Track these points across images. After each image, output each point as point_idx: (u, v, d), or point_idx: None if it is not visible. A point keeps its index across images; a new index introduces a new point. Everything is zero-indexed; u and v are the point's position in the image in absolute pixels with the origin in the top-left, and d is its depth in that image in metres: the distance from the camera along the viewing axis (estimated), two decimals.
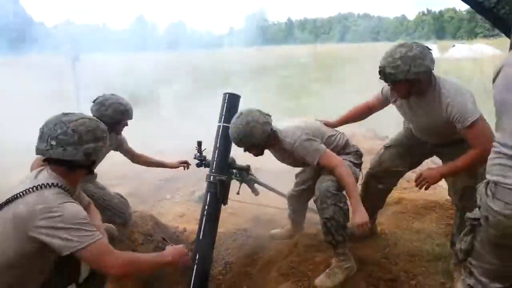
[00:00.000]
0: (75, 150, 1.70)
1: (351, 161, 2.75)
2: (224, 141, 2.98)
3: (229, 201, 3.85)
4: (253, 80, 9.43)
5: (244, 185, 3.66)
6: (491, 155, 1.64)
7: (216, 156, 2.97)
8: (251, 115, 2.57)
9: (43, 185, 1.65)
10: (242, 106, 2.97)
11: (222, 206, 2.95)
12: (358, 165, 2.81)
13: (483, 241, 1.69)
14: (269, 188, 3.55)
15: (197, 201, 3.98)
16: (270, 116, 2.67)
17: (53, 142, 1.68)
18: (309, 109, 7.89)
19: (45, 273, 1.77)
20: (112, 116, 2.89)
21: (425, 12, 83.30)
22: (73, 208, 1.64)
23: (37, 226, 1.56)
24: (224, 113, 3.00)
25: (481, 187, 1.66)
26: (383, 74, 2.31)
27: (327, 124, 2.95)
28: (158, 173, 4.36)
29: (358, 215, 2.44)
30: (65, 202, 1.63)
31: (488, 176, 1.61)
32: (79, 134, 1.71)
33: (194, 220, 3.70)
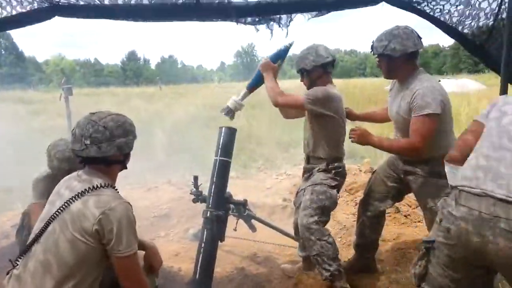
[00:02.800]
0: (108, 146, 1.76)
1: (328, 184, 2.71)
2: (221, 175, 2.94)
3: (226, 238, 3.79)
4: (245, 113, 9.47)
5: (240, 221, 3.60)
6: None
7: (212, 191, 2.91)
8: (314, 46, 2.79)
9: (99, 186, 1.71)
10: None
11: (219, 243, 2.87)
12: (335, 187, 2.77)
13: (439, 263, 1.67)
14: (266, 223, 3.48)
15: (192, 239, 3.87)
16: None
17: (88, 141, 1.74)
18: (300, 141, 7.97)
19: (98, 281, 1.78)
20: (60, 167, 2.72)
21: None
22: (130, 210, 1.74)
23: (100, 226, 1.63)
24: (220, 147, 2.97)
25: (441, 201, 1.69)
26: (371, 47, 2.54)
27: (350, 113, 3.04)
28: (151, 209, 4.27)
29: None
30: (124, 202, 1.72)
31: (451, 183, 1.65)
32: (110, 130, 1.77)
33: (189, 259, 3.57)
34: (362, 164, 5.05)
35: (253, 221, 3.46)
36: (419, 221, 3.81)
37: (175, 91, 24.94)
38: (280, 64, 2.94)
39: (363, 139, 2.52)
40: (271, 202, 4.42)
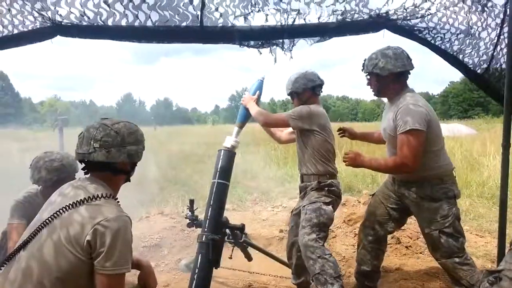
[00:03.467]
0: (118, 152, 1.65)
1: (322, 202, 2.69)
2: (218, 198, 2.85)
3: (219, 269, 3.62)
4: (240, 150, 9.44)
5: (235, 252, 3.46)
6: None
7: (209, 215, 2.81)
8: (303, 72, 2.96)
9: (100, 196, 1.58)
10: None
11: (213, 272, 2.73)
12: (329, 203, 2.73)
13: None
14: (263, 251, 3.34)
15: (184, 270, 3.69)
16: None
17: (96, 145, 1.63)
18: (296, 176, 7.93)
19: None
20: (47, 178, 2.60)
21: None
22: (130, 226, 1.58)
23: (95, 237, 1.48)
24: (219, 170, 2.91)
25: None
26: (362, 64, 2.63)
27: (349, 131, 3.12)
28: (141, 239, 4.10)
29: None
30: (125, 216, 1.58)
31: None
32: (122, 136, 1.67)
33: None
34: (360, 196, 4.98)
35: (249, 250, 3.33)
36: (420, 252, 3.70)
37: (170, 131, 25.01)
38: (259, 95, 3.09)
39: (355, 161, 2.52)
40: (267, 233, 4.28)
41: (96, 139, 1.63)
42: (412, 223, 4.26)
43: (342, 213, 4.41)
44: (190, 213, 3.05)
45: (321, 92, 2.98)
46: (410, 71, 2.56)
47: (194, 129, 24.89)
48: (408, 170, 2.34)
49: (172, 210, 5.11)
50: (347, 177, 6.62)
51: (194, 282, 2.64)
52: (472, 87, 59.82)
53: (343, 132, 3.15)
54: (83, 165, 1.72)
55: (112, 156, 1.64)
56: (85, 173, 1.74)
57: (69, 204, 1.55)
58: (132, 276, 1.93)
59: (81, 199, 1.56)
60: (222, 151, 2.96)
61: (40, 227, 1.56)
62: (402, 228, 4.06)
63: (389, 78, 2.49)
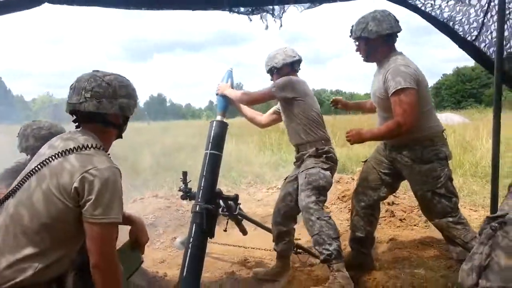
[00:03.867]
0: (110, 103, 1.62)
1: (320, 167, 2.72)
2: (211, 169, 2.84)
3: (214, 246, 3.62)
4: (234, 139, 9.43)
5: (230, 232, 3.46)
6: None
7: (202, 185, 2.80)
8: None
9: (89, 146, 1.55)
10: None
11: (208, 251, 2.73)
12: (327, 169, 2.76)
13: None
14: (258, 224, 3.34)
15: (179, 247, 3.69)
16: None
17: (88, 95, 1.59)
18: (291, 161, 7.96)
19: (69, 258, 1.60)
20: (34, 147, 2.51)
21: None
22: (119, 177, 1.56)
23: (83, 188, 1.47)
24: (211, 140, 2.89)
25: None
26: (350, 30, 2.62)
27: (341, 102, 3.16)
28: None
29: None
30: (114, 167, 1.55)
31: None
32: (113, 88, 1.64)
33: (175, 266, 3.38)
34: (354, 174, 4.99)
35: (244, 224, 3.32)
36: (415, 225, 3.72)
37: (164, 125, 24.90)
38: (232, 82, 3.13)
39: (357, 137, 2.52)
40: (262, 212, 4.29)
41: (87, 89, 1.60)
42: (405, 198, 4.29)
43: (337, 190, 4.41)
44: (183, 185, 3.02)
45: (299, 68, 3.01)
46: (398, 34, 2.57)
47: (188, 124, 24.78)
48: (407, 128, 2.34)
49: (166, 193, 5.09)
50: (341, 158, 6.62)
51: (189, 251, 2.63)
52: (465, 79, 60.24)
53: (335, 103, 3.16)
54: (74, 117, 1.69)
55: (103, 106, 1.61)
56: (76, 127, 1.71)
57: (59, 152, 1.53)
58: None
59: (70, 148, 1.54)
60: (214, 122, 2.95)
61: (28, 175, 1.55)
62: (396, 202, 4.08)
63: (378, 41, 2.51)
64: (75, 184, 1.46)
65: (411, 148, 2.50)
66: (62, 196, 1.47)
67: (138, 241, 1.87)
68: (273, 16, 2.75)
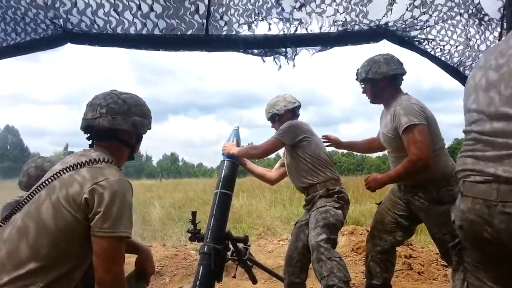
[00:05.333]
0: (124, 120, 1.63)
1: (331, 206, 2.65)
2: (221, 208, 2.77)
3: None
4: (245, 195, 9.35)
5: (239, 278, 3.30)
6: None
7: (211, 225, 2.72)
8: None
9: (96, 160, 1.54)
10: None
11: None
12: (339, 208, 2.69)
13: (475, 266, 1.42)
14: (268, 270, 3.18)
15: None
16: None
17: (103, 111, 1.61)
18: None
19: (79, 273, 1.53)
20: (27, 184, 2.52)
21: None
22: (130, 191, 1.54)
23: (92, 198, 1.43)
24: (221, 180, 2.86)
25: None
26: (356, 74, 2.68)
27: (334, 140, 3.06)
28: None
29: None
30: (126, 181, 1.53)
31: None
32: (128, 105, 1.66)
33: None
34: (368, 225, 4.82)
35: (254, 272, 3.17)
36: (434, 279, 3.51)
37: (175, 182, 24.96)
38: (238, 141, 3.08)
39: (376, 183, 2.49)
40: (273, 263, 4.10)
41: (102, 106, 1.62)
42: (423, 252, 4.09)
43: (351, 242, 4.25)
44: (192, 226, 2.94)
45: (299, 114, 3.06)
46: (403, 76, 2.61)
47: (199, 181, 24.82)
48: (423, 164, 2.29)
49: (174, 243, 4.97)
50: (354, 215, 6.46)
51: None
52: None
53: (327, 139, 3.11)
54: (88, 134, 1.71)
55: (117, 122, 1.62)
56: (90, 146, 1.72)
57: (70, 165, 1.52)
58: None
59: (82, 162, 1.53)
60: (226, 161, 2.93)
61: (38, 188, 1.52)
62: (414, 255, 3.89)
63: (383, 82, 2.55)
64: (85, 195, 1.43)
65: (426, 188, 2.42)
66: (71, 207, 1.43)
67: (144, 271, 1.79)
68: (286, 58, 2.84)
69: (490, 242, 1.30)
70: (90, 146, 1.72)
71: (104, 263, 1.42)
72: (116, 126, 1.62)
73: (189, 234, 2.95)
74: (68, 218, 1.43)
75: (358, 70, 2.68)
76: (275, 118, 2.99)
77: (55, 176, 1.52)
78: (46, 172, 2.46)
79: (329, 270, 2.37)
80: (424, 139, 2.28)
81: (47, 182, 1.52)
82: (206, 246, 2.62)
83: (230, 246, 2.83)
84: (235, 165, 2.93)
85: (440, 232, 2.37)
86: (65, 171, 1.51)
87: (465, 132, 1.45)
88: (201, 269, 2.57)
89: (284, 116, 2.95)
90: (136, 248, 1.81)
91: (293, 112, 2.98)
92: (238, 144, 3.03)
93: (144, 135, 1.79)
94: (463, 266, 1.48)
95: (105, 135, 1.66)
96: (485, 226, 1.29)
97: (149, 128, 1.78)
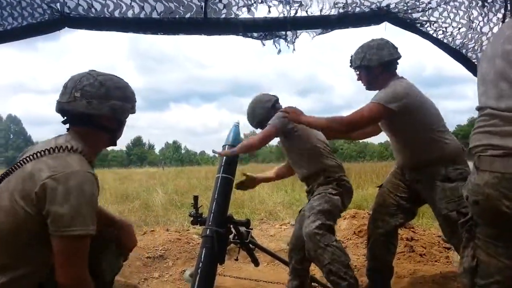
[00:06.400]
0: (100, 104, 1.49)
1: (328, 193, 2.60)
2: (223, 192, 2.78)
3: (224, 278, 3.48)
4: None
5: (242, 261, 3.33)
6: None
7: (213, 209, 2.72)
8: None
9: (58, 148, 1.41)
10: None
11: (216, 285, 2.61)
12: (336, 194, 2.63)
13: (487, 242, 1.42)
14: (270, 253, 3.20)
15: (188, 279, 3.55)
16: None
17: (77, 94, 1.47)
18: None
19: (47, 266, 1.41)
20: None
21: None
22: (93, 184, 1.40)
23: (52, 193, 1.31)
24: (223, 164, 2.86)
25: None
26: (350, 61, 2.62)
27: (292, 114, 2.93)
28: (145, 250, 3.98)
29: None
30: (87, 173, 1.40)
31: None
32: (106, 88, 1.52)
33: None
34: (369, 209, 4.84)
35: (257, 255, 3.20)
36: (436, 260, 3.53)
37: (178, 170, 25.06)
38: (235, 137, 2.92)
39: (292, 116, 2.52)
40: (274, 246, 4.13)
41: (77, 88, 1.49)
42: (425, 234, 4.11)
43: (352, 225, 4.27)
44: (194, 210, 2.95)
45: (280, 106, 2.91)
46: (398, 60, 2.56)
47: (201, 169, 24.92)
48: (347, 130, 2.48)
49: (177, 228, 5.00)
50: (356, 199, 6.48)
51: (198, 276, 2.51)
52: None
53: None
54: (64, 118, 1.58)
55: (93, 107, 1.48)
56: (67, 129, 1.59)
57: (31, 154, 1.43)
58: None
59: (43, 150, 1.42)
60: (227, 146, 2.93)
61: (15, 166, 1.45)
62: (415, 238, 3.91)
63: (378, 68, 2.50)
64: (36, 190, 1.32)
65: (433, 166, 2.39)
66: (25, 203, 1.33)
67: (124, 246, 1.76)
68: (286, 41, 2.82)
69: (507, 216, 1.31)
70: (68, 129, 1.59)
71: (61, 265, 1.32)
72: (92, 111, 1.49)
73: (191, 218, 2.98)
74: (22, 215, 1.33)
75: (351, 56, 2.62)
76: (263, 124, 2.82)
77: (17, 166, 1.43)
78: None
79: (330, 257, 2.34)
80: (368, 115, 2.32)
81: (7, 173, 1.44)
82: (208, 229, 2.63)
83: (232, 229, 2.86)
84: None
85: (447, 208, 2.33)
86: (26, 160, 1.42)
87: (479, 109, 1.46)
88: (203, 252, 2.58)
89: (268, 117, 2.79)
90: (113, 222, 1.76)
91: (274, 107, 2.85)
92: (238, 141, 2.89)
93: (127, 119, 1.67)
94: (474, 242, 1.48)
95: (80, 120, 1.53)
96: (502, 200, 1.30)
97: (132, 113, 1.65)
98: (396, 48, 2.55)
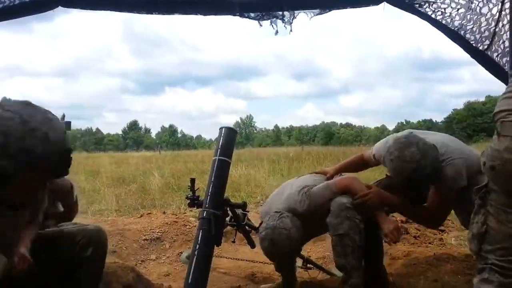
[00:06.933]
0: None
1: None
2: (220, 175, 2.78)
3: (221, 260, 3.51)
4: (244, 164, 9.39)
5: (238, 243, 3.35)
6: None
7: (210, 191, 2.73)
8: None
9: None
10: None
11: (213, 266, 2.63)
12: None
13: (498, 209, 1.45)
14: None
15: (185, 261, 3.58)
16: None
17: None
18: None
19: None
20: None
21: (404, 123, 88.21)
22: None
23: None
24: (220, 147, 2.85)
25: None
26: (406, 177, 2.22)
27: (324, 173, 2.89)
28: (142, 233, 4.00)
29: (384, 221, 2.26)
30: None
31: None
32: None
33: (180, 279, 3.27)
34: None
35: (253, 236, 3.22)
36: (429, 242, 3.57)
37: (174, 154, 25.03)
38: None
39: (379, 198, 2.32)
40: None
41: None
42: None
43: None
44: (191, 192, 2.96)
45: None
46: None
47: (197, 153, 24.94)
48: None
49: (174, 211, 5.03)
50: None
51: (195, 258, 2.52)
52: (475, 113, 60.09)
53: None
54: None
55: None
56: None
57: None
58: None
59: None
60: (223, 128, 2.91)
61: None
62: (409, 220, 3.95)
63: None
64: None
65: None
66: None
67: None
68: (283, 22, 2.78)
69: None
70: None
71: None
72: None
73: (188, 201, 2.99)
74: None
75: (409, 174, 2.20)
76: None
77: None
78: None
79: (345, 230, 2.25)
80: None
81: None
82: (205, 212, 2.64)
83: (229, 212, 2.87)
84: (233, 131, 2.92)
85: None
86: None
87: (511, 75, 1.48)
88: (200, 233, 2.59)
89: None
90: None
91: None
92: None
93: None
94: (485, 209, 1.50)
95: None
96: None
97: (18, 170, 1.25)
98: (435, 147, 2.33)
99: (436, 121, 74.65)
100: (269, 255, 2.48)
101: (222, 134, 2.89)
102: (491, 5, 2.89)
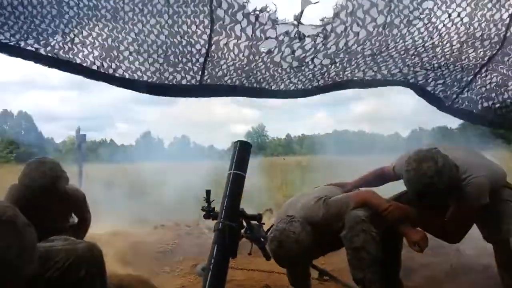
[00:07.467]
0: None
1: None
2: (235, 188, 2.80)
3: (235, 271, 3.51)
4: (257, 174, 9.40)
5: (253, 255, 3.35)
6: None
7: (225, 204, 2.74)
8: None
9: None
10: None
11: (228, 278, 2.64)
12: None
13: None
14: None
15: (200, 273, 3.60)
16: None
17: None
18: None
19: None
20: None
21: (418, 130, 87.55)
22: None
23: None
24: (235, 161, 2.87)
25: None
26: (420, 196, 2.22)
27: (342, 186, 2.88)
28: (156, 245, 4.04)
29: (410, 231, 2.25)
30: None
31: None
32: None
33: None
34: None
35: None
36: (446, 254, 3.52)
37: (187, 164, 25.15)
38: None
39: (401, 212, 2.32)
40: None
41: None
42: None
43: None
44: (206, 204, 2.98)
45: None
46: None
47: (210, 163, 25.03)
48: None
49: (188, 223, 5.06)
50: None
51: (210, 271, 2.54)
52: None
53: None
54: None
55: None
56: None
57: None
58: None
59: None
60: (239, 142, 2.94)
61: None
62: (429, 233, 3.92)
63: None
64: None
65: None
66: None
67: None
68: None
69: None
70: None
71: None
72: None
73: (203, 212, 3.01)
74: None
75: (420, 190, 2.19)
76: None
77: None
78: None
79: (361, 243, 2.24)
80: None
81: None
82: (220, 223, 2.65)
83: (244, 223, 2.88)
84: (248, 146, 2.93)
85: None
86: None
87: None
88: (215, 246, 2.60)
89: None
90: None
91: None
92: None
93: None
94: None
95: None
96: None
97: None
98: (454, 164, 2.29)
99: (451, 127, 74.07)
100: (276, 258, 2.48)
101: (237, 148, 2.91)
102: None
